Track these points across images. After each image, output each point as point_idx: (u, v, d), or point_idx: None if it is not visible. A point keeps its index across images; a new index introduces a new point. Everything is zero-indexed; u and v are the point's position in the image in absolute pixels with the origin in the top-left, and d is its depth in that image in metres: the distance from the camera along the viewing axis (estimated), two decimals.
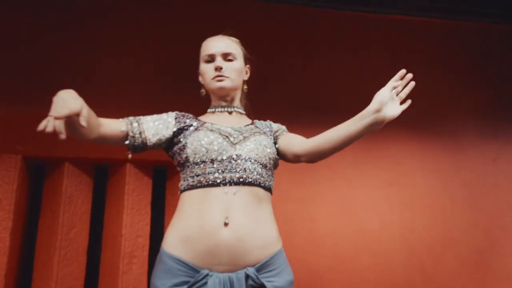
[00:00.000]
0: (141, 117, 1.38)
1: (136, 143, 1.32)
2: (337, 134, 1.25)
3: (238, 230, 1.21)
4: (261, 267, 1.22)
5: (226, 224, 1.21)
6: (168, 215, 2.25)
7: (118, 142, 1.33)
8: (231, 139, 1.34)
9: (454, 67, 2.63)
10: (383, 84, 1.12)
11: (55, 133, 1.08)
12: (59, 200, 2.07)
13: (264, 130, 1.46)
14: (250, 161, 1.31)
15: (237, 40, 1.53)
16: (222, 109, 1.47)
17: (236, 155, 1.31)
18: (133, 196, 2.16)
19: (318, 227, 2.16)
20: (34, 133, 2.00)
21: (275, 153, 1.40)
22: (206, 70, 1.45)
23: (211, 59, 1.45)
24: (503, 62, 2.73)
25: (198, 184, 1.27)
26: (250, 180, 1.28)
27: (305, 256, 2.15)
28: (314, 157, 1.33)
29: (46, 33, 2.21)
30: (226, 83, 1.43)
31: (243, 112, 1.51)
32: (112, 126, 1.31)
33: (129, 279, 2.05)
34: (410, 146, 2.42)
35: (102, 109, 2.13)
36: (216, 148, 1.30)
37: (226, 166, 1.29)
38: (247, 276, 1.19)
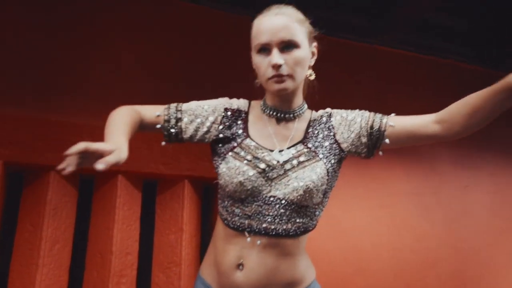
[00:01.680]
0: (184, 104, 1.20)
1: (172, 130, 1.17)
2: (474, 98, 1.08)
3: (251, 278, 1.10)
4: None
5: (240, 269, 1.11)
6: (158, 231, 2.13)
7: (153, 127, 1.17)
8: (271, 173, 1.10)
9: (432, 101, 2.80)
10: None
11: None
12: (42, 212, 1.87)
13: (316, 149, 1.15)
14: (286, 205, 1.09)
15: (300, 15, 1.16)
16: (274, 113, 1.18)
17: (271, 196, 1.10)
18: (124, 211, 2.02)
19: (314, 246, 2.15)
20: (20, 137, 1.83)
21: (328, 181, 1.13)
22: (261, 65, 1.11)
23: (265, 48, 1.11)
24: None
25: (225, 222, 1.14)
26: (278, 231, 1.09)
27: None
28: (452, 126, 1.11)
29: (36, 34, 2.04)
30: (287, 85, 1.10)
31: (301, 113, 1.20)
32: (147, 115, 1.17)
33: None
34: (396, 171, 2.52)
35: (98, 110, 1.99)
36: (247, 187, 1.09)
37: (255, 211, 1.10)
38: None
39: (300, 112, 1.19)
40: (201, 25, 2.36)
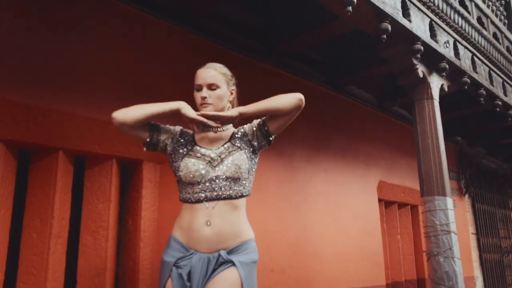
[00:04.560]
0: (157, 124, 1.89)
1: (152, 142, 1.87)
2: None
3: (216, 229, 1.77)
4: (232, 250, 1.80)
5: (208, 225, 1.77)
6: (86, 200, 2.49)
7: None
8: (213, 163, 1.81)
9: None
10: None
11: None
12: None
13: (239, 144, 1.86)
14: (225, 179, 1.79)
15: (223, 69, 1.89)
16: (209, 129, 1.88)
17: (215, 176, 1.79)
18: (62, 182, 2.33)
19: None
20: None
21: (253, 162, 1.89)
22: (196, 97, 1.87)
23: (199, 88, 1.85)
24: (326, 111, 3.98)
25: (189, 200, 1.82)
26: (224, 196, 1.79)
27: None
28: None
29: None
30: (208, 109, 1.83)
31: (227, 128, 1.89)
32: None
33: (56, 258, 2.25)
34: (266, 164, 3.32)
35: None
36: (200, 173, 1.79)
37: (208, 186, 1.78)
38: (219, 255, 1.78)
39: (226, 127, 1.90)
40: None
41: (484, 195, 6.93)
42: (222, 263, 1.76)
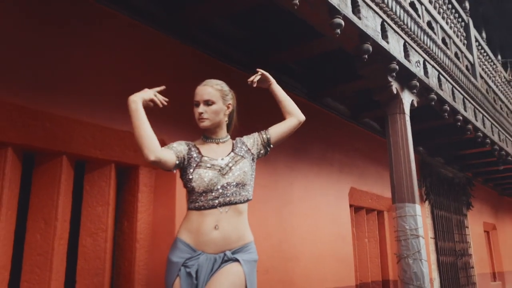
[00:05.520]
0: (169, 145, 2.00)
1: (179, 160, 1.98)
2: None
3: (223, 232, 1.95)
4: (235, 251, 1.98)
5: (216, 228, 1.94)
6: (85, 203, 2.58)
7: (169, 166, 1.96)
8: (222, 171, 1.97)
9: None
10: None
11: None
12: (1, 184, 2.15)
13: (242, 154, 2.06)
14: (235, 185, 1.97)
15: (219, 85, 2.05)
16: (211, 140, 2.08)
17: (226, 183, 1.96)
18: (64, 185, 2.42)
19: None
20: None
21: (253, 169, 2.10)
22: (194, 112, 2.05)
23: (197, 104, 2.03)
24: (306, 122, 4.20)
25: (202, 208, 1.96)
26: (235, 201, 1.97)
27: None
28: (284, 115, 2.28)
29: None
30: (205, 123, 2.02)
31: (227, 139, 2.11)
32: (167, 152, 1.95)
33: (59, 258, 2.33)
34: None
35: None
36: (213, 182, 1.94)
37: (221, 193, 1.95)
38: (225, 255, 1.96)
39: (225, 139, 2.12)
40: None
41: (442, 202, 7.40)
42: (226, 261, 1.95)
